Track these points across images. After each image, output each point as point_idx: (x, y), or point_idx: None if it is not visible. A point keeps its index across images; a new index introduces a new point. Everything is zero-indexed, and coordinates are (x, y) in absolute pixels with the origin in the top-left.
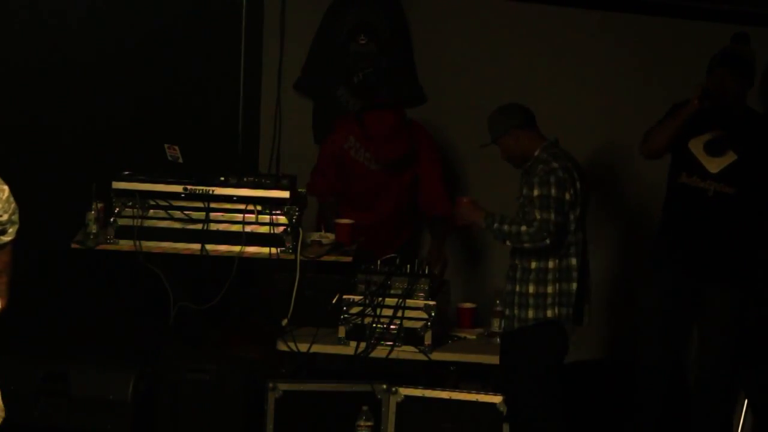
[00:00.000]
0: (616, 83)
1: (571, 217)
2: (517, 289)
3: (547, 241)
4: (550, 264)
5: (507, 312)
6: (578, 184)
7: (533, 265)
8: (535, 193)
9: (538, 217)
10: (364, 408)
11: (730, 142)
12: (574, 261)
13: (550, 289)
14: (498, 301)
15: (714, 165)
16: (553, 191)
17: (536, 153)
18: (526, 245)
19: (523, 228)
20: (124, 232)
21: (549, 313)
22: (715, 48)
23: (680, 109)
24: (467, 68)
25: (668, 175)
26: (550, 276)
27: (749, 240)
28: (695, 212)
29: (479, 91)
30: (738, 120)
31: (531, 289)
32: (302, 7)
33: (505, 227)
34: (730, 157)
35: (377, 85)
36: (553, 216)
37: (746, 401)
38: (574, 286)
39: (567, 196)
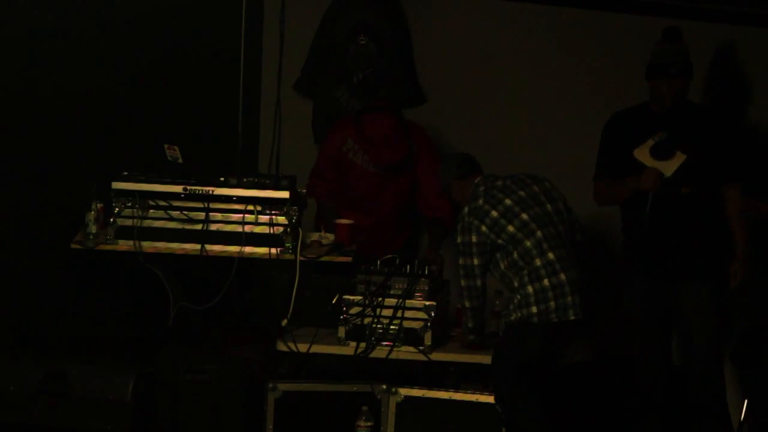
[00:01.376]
0: (616, 83)
1: (516, 224)
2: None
3: (478, 282)
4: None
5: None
6: (513, 196)
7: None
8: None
9: (461, 262)
10: (364, 408)
11: (677, 142)
12: (538, 261)
13: (520, 293)
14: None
15: (667, 168)
16: (463, 238)
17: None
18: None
19: (461, 282)
20: (124, 233)
21: (513, 316)
22: (715, 48)
23: (628, 184)
24: (467, 68)
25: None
26: (515, 282)
27: (718, 233)
28: (659, 217)
29: (479, 91)
30: (680, 118)
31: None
32: (302, 7)
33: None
34: (680, 158)
35: (377, 85)
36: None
37: (746, 402)
38: (546, 282)
39: (473, 238)
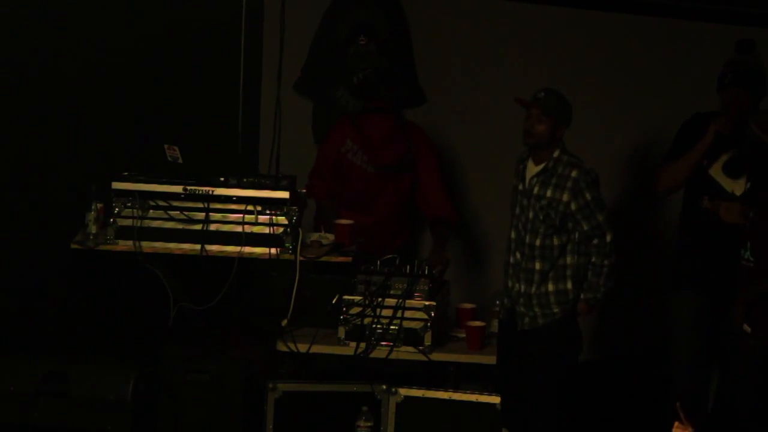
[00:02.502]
0: (616, 83)
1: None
2: (533, 290)
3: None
4: (569, 260)
5: (523, 309)
6: None
7: (558, 262)
8: (588, 197)
9: (600, 218)
10: (364, 408)
11: (747, 161)
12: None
13: (569, 286)
14: (498, 302)
15: (738, 187)
16: (594, 192)
17: (555, 154)
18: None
19: (607, 238)
20: (124, 233)
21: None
22: (715, 48)
23: (697, 145)
24: (467, 68)
25: (685, 197)
26: (569, 272)
27: None
28: (724, 237)
29: (479, 92)
30: (748, 135)
31: (551, 287)
32: (302, 7)
33: (601, 283)
34: (745, 182)
35: (377, 85)
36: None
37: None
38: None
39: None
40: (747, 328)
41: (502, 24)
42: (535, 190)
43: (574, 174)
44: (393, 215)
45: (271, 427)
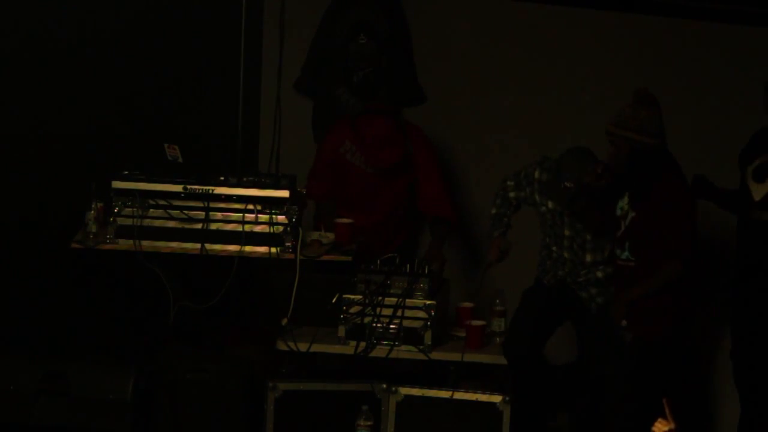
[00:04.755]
0: (616, 83)
1: None
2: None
3: None
4: None
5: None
6: None
7: None
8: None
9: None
10: (364, 408)
11: None
12: None
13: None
14: (498, 301)
15: (758, 192)
16: None
17: None
18: None
19: None
20: (124, 232)
21: None
22: (715, 48)
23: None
24: (467, 68)
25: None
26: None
27: None
28: (746, 244)
29: (479, 92)
30: None
31: None
32: (302, 7)
33: None
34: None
35: (377, 84)
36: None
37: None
38: None
39: None
40: (624, 322)
41: (502, 24)
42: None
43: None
44: (391, 215)
45: (271, 426)
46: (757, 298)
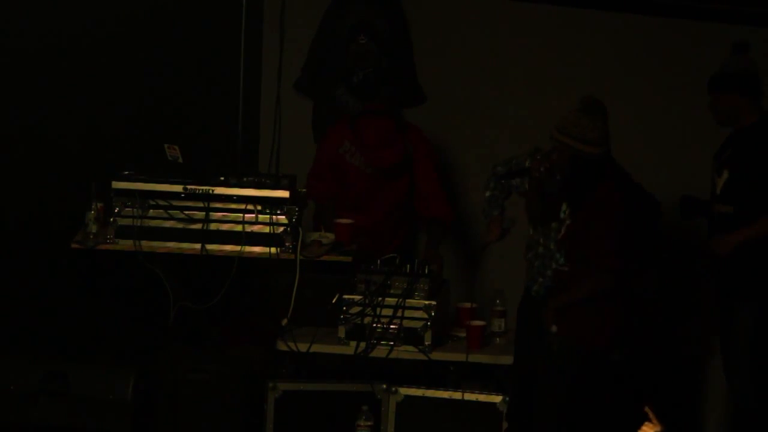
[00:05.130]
0: (616, 83)
1: None
2: None
3: None
4: None
5: None
6: None
7: None
8: None
9: None
10: (364, 408)
11: (729, 160)
12: None
13: None
14: (498, 301)
15: (718, 185)
16: None
17: None
18: None
19: None
20: (124, 232)
21: None
22: (715, 48)
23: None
24: (467, 68)
25: None
26: None
27: (759, 256)
28: (712, 235)
29: (479, 92)
30: (740, 136)
31: None
32: (302, 7)
33: None
34: (725, 176)
35: (377, 84)
36: None
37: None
38: None
39: None
40: (554, 328)
41: (502, 24)
42: None
43: None
44: (391, 216)
45: (271, 426)
46: (724, 291)
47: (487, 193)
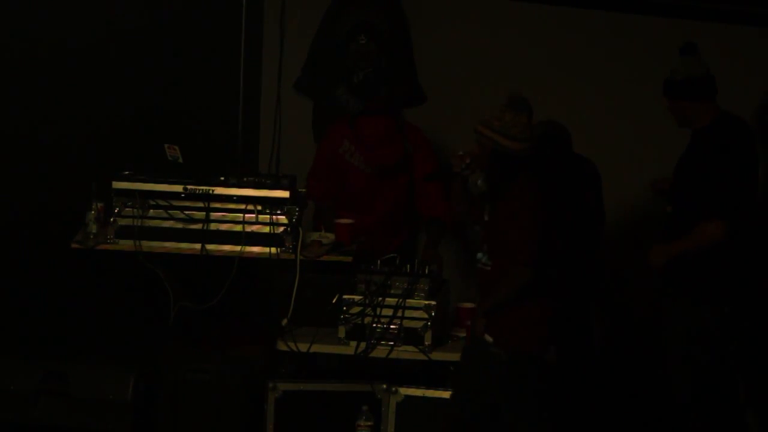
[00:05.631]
0: (616, 83)
1: None
2: None
3: None
4: None
5: None
6: None
7: None
8: None
9: None
10: (364, 408)
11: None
12: None
13: None
14: None
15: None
16: None
17: None
18: None
19: None
20: (124, 232)
21: None
22: (715, 48)
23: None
24: (467, 68)
25: None
26: None
27: (696, 257)
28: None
29: (479, 92)
30: (693, 138)
31: None
32: (302, 7)
33: None
34: (671, 177)
35: (377, 85)
36: None
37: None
38: None
39: None
40: (488, 337)
41: (502, 24)
42: None
43: None
44: (390, 216)
45: (271, 426)
46: (658, 290)
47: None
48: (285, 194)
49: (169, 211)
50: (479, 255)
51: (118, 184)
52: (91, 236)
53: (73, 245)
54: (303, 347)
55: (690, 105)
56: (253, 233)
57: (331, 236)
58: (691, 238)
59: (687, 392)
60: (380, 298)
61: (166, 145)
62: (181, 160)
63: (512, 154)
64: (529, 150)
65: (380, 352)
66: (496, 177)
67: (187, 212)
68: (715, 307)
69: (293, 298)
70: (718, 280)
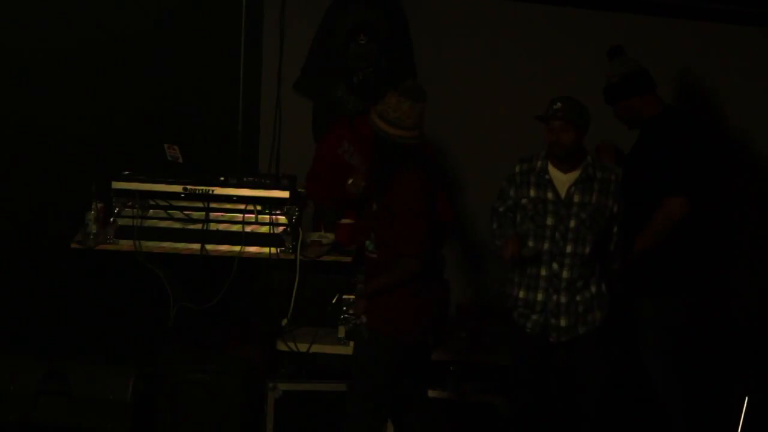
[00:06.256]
0: None
1: None
2: (579, 298)
3: None
4: (599, 265)
5: (564, 322)
6: None
7: (596, 267)
8: (622, 200)
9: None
10: None
11: (635, 152)
12: None
13: (605, 289)
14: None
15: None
16: None
17: (588, 159)
18: None
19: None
20: (124, 232)
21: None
22: (715, 48)
23: None
24: (467, 68)
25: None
26: (602, 276)
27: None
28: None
29: (479, 92)
30: (642, 130)
31: (594, 291)
32: (302, 7)
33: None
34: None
35: (377, 84)
36: None
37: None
38: None
39: None
40: (364, 318)
41: (502, 24)
42: (576, 198)
43: (614, 178)
44: None
45: (270, 426)
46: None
47: (494, 225)
48: (285, 194)
49: (169, 211)
50: (367, 243)
51: (117, 184)
52: (91, 236)
53: (73, 245)
54: (303, 347)
55: (636, 100)
56: (252, 233)
57: (331, 236)
58: (653, 224)
59: (668, 385)
60: None
61: (166, 145)
62: (181, 160)
63: (392, 141)
64: (415, 139)
65: None
66: (379, 164)
67: (186, 212)
68: (680, 299)
69: (293, 299)
70: (684, 272)
